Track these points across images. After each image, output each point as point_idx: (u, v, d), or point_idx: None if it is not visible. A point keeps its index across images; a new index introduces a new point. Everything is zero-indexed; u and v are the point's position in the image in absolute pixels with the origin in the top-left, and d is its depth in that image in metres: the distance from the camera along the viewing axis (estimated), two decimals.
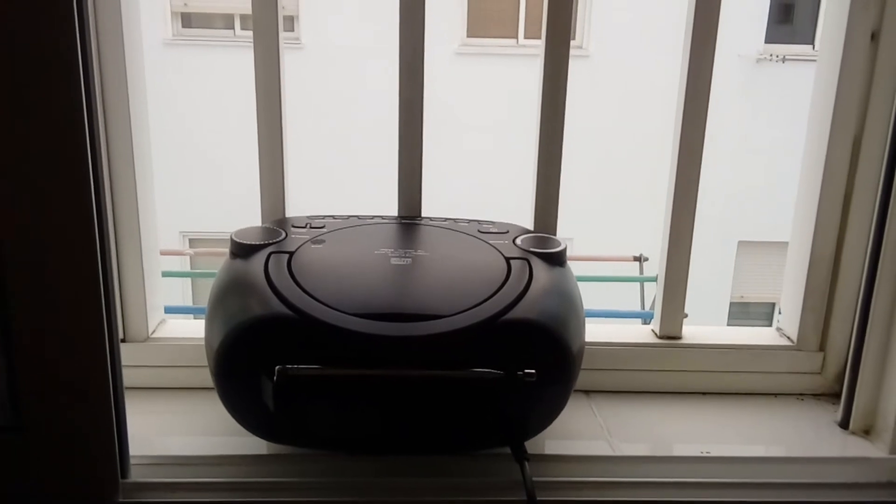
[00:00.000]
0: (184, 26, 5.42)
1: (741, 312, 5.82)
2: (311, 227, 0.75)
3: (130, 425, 0.65)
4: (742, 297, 5.82)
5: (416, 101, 0.77)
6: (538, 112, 0.77)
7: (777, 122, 4.92)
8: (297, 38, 5.17)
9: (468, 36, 5.43)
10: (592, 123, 4.79)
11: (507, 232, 0.76)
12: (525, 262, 0.69)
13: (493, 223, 0.79)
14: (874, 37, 0.74)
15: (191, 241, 5.34)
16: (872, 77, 0.75)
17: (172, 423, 0.75)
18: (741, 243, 5.61)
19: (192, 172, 5.03)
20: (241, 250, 0.69)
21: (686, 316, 0.87)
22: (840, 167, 0.78)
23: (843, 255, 0.80)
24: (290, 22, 5.19)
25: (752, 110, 5.22)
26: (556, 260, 0.70)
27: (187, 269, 5.22)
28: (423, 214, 0.81)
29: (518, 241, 0.73)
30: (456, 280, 0.66)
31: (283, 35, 0.77)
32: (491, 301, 0.63)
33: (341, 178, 4.88)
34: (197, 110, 4.99)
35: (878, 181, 0.72)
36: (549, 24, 0.75)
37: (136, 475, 0.64)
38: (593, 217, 4.82)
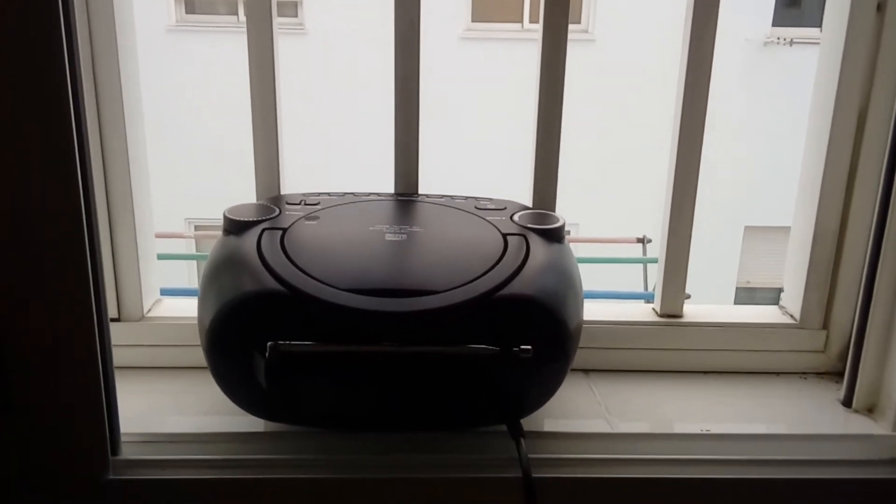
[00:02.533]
0: (187, 12, 5.40)
1: (747, 298, 5.81)
2: (306, 204, 0.74)
3: (125, 405, 0.64)
4: (748, 282, 5.81)
5: (412, 77, 0.76)
6: (537, 84, 0.76)
7: (784, 105, 4.89)
8: (301, 24, 5.15)
9: (473, 20, 5.40)
10: (597, 106, 4.77)
11: (505, 208, 0.75)
12: (522, 237, 0.68)
13: (490, 200, 0.77)
14: (880, 8, 0.73)
15: (196, 227, 5.34)
16: (878, 49, 0.74)
17: (167, 403, 0.74)
18: (748, 228, 5.59)
19: (197, 159, 5.03)
20: (234, 227, 0.68)
21: (689, 297, 0.86)
22: (844, 141, 0.76)
23: (847, 231, 0.79)
24: (294, 7, 5.17)
25: (759, 94, 5.18)
26: (554, 236, 0.69)
27: (193, 252, 5.23)
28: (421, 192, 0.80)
29: (516, 217, 0.72)
30: (451, 256, 0.65)
31: (278, 11, 0.76)
32: (487, 277, 0.62)
33: (348, 160, 4.86)
34: (200, 96, 4.98)
35: (884, 155, 0.70)
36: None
37: (127, 452, 0.63)
38: (597, 199, 4.81)
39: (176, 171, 4.72)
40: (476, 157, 5.00)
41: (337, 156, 4.97)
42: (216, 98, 4.77)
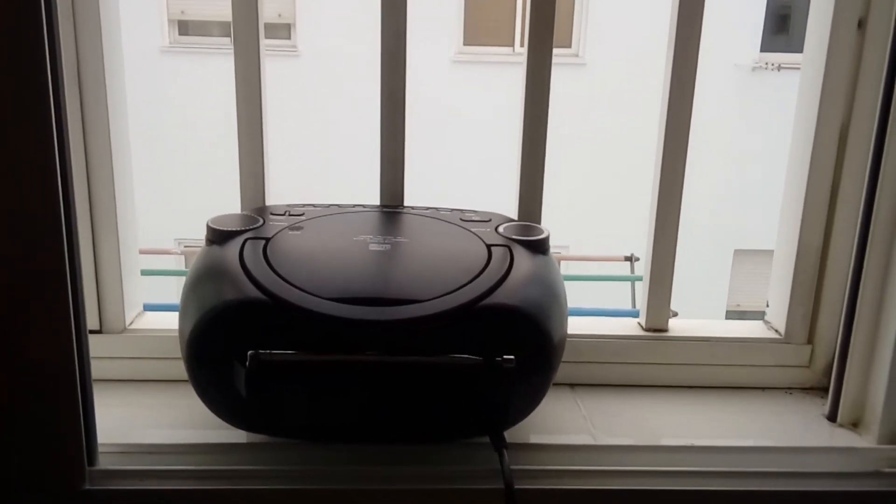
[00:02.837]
0: (181, 34, 5.42)
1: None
2: (291, 215, 0.74)
3: (106, 417, 0.64)
4: (738, 305, 5.81)
5: (399, 88, 0.76)
6: (522, 97, 0.76)
7: (773, 129, 4.92)
8: (294, 46, 5.17)
9: (464, 44, 5.44)
10: (588, 127, 4.81)
11: (490, 220, 0.75)
12: (506, 248, 0.68)
13: (475, 212, 0.77)
14: (861, 24, 0.73)
15: (186, 247, 5.32)
16: (860, 65, 0.74)
17: (148, 415, 0.74)
18: (737, 252, 5.60)
19: (188, 179, 5.02)
20: (217, 237, 0.68)
21: (675, 314, 0.86)
22: (827, 157, 0.77)
23: (831, 247, 0.79)
24: (287, 29, 5.20)
25: (748, 118, 5.23)
26: (539, 247, 0.69)
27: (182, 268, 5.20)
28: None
29: (500, 228, 0.72)
30: (435, 266, 0.65)
31: (271, 34, 0.76)
32: (470, 286, 0.61)
33: (342, 177, 4.86)
34: (193, 117, 4.98)
35: (865, 171, 0.71)
36: (533, 12, 0.74)
37: (104, 463, 0.63)
38: (586, 219, 4.82)
39: (165, 191, 4.72)
40: (468, 177, 5.01)
41: (332, 173, 4.96)
42: (209, 115, 4.78)
